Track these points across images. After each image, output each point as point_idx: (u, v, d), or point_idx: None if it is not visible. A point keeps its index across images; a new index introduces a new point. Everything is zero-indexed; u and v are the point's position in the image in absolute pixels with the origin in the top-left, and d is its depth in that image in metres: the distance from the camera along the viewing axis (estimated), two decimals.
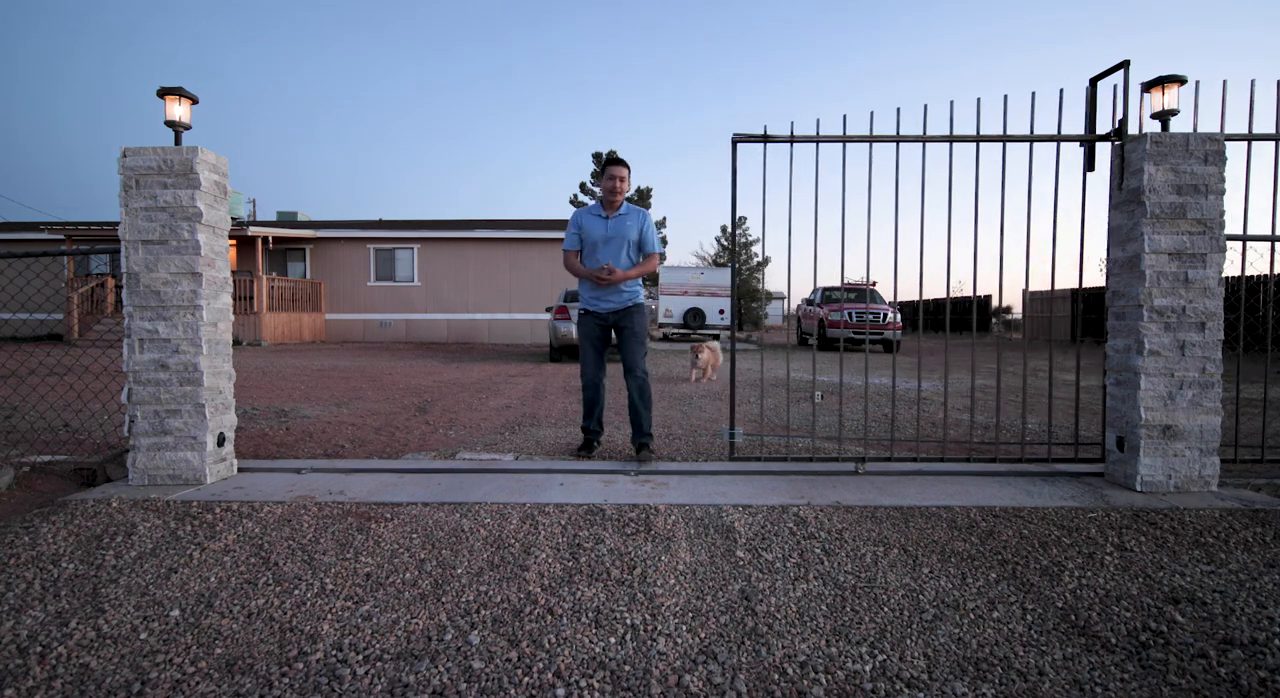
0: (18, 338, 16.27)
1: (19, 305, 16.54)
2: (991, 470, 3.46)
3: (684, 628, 1.84)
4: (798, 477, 3.37)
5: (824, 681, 1.59)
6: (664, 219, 37.74)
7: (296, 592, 2.05)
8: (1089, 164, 3.45)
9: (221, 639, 1.77)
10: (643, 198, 34.30)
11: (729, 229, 38.99)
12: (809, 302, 16.46)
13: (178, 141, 3.27)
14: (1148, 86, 3.24)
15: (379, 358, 12.27)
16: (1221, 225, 3.11)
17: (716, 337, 19.19)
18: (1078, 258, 3.47)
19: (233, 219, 16.74)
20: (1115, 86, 3.25)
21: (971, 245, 3.51)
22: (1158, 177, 3.10)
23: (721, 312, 20.63)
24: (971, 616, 1.91)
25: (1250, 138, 3.30)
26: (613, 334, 3.98)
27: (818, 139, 3.50)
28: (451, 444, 4.25)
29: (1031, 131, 3.39)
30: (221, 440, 3.31)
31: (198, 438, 3.19)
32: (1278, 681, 1.58)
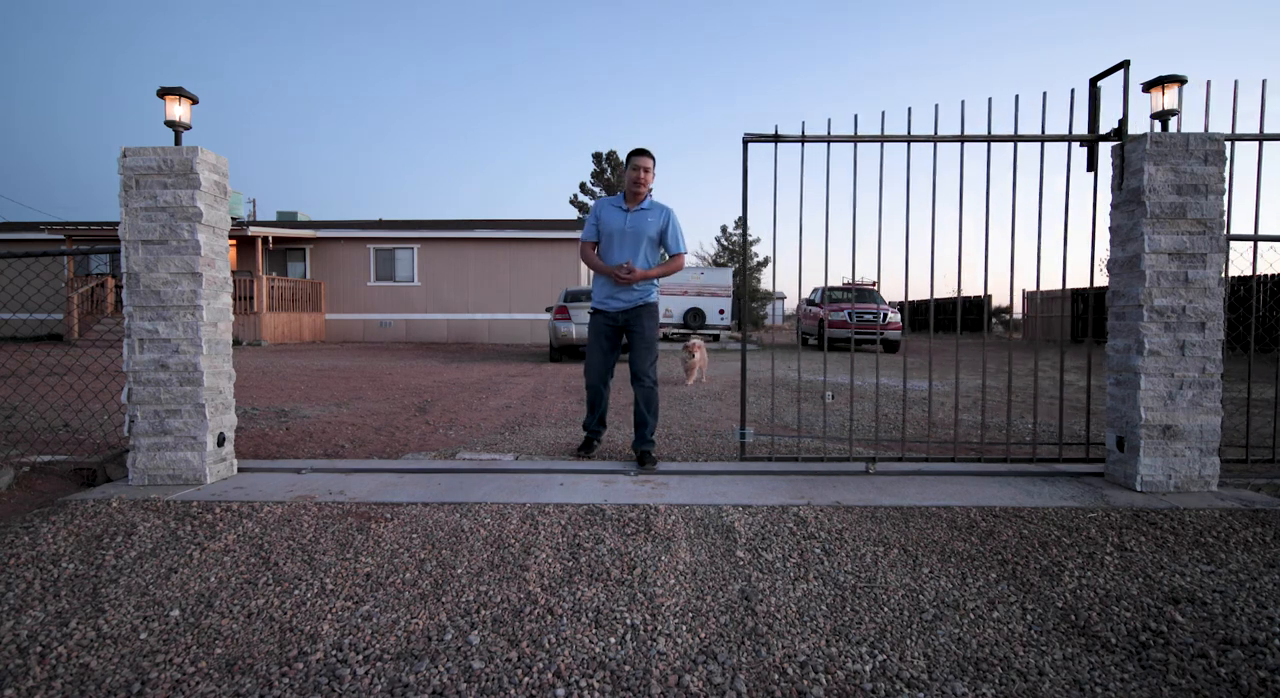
0: (18, 338, 16.27)
1: (19, 305, 16.54)
2: (991, 471, 3.46)
3: (684, 628, 1.84)
4: (797, 477, 3.37)
5: (824, 681, 1.59)
6: None
7: (296, 592, 2.05)
8: (1090, 164, 3.45)
9: (221, 639, 1.77)
10: None
11: (732, 229, 39.00)
12: (809, 302, 16.47)
13: (178, 141, 3.27)
14: (1148, 86, 3.24)
15: (379, 358, 12.27)
16: (1221, 225, 3.11)
17: (716, 337, 19.20)
18: (1078, 258, 3.47)
19: (233, 219, 16.74)
20: (1116, 86, 3.26)
21: (983, 245, 3.51)
22: (1158, 176, 3.10)
23: (721, 312, 20.64)
24: (971, 616, 1.91)
25: (1261, 138, 3.29)
26: (623, 336, 3.79)
27: (829, 139, 3.49)
28: (451, 444, 4.25)
29: (1043, 132, 3.38)
30: (221, 440, 3.31)
31: (198, 438, 3.19)
32: (1278, 681, 1.58)
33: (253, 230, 16.39)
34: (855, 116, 3.46)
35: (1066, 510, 2.82)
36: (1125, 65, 3.23)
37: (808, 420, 5.23)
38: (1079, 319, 18.52)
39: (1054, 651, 1.73)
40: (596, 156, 33.99)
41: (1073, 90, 3.35)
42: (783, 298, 44.49)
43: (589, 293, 11.68)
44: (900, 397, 6.48)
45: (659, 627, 1.84)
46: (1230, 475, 3.36)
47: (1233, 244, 3.39)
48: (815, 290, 16.68)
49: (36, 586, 2.09)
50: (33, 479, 3.28)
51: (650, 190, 3.69)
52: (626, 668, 1.64)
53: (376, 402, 6.29)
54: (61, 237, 17.18)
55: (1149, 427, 3.10)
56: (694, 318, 20.28)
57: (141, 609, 1.94)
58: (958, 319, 3.67)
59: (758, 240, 39.21)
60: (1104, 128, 3.39)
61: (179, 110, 3.25)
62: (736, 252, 38.00)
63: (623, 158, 3.78)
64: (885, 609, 1.95)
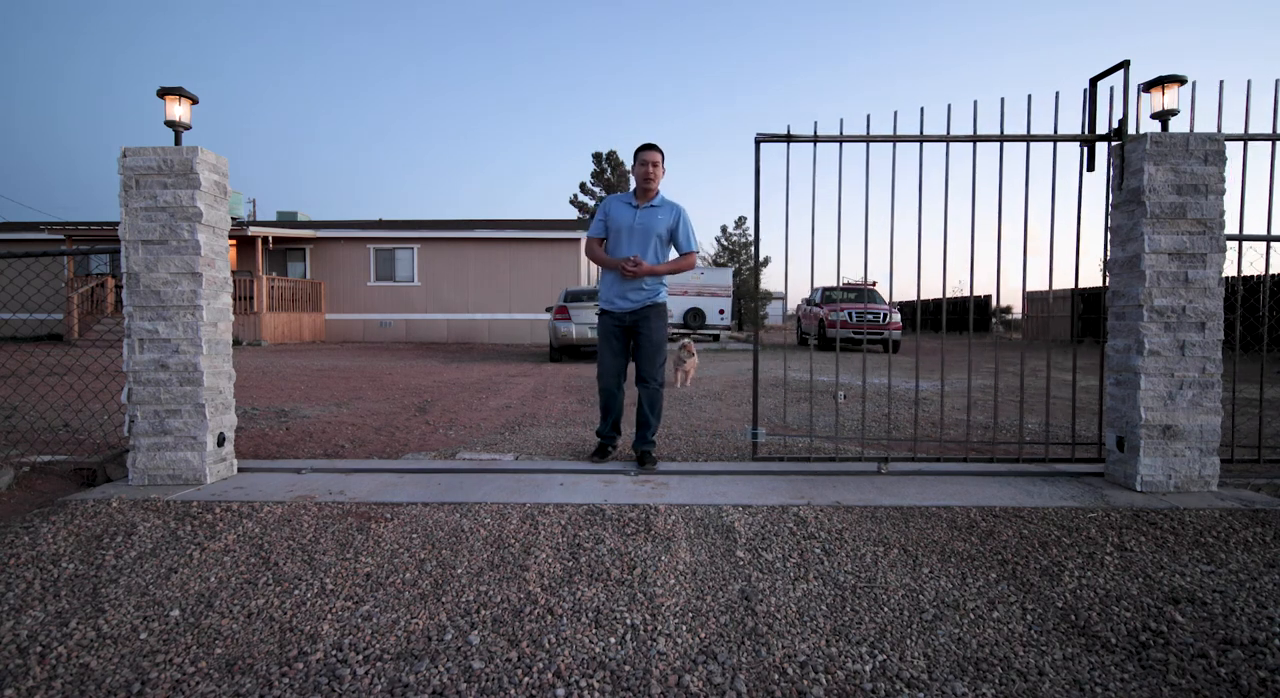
0: (18, 338, 16.27)
1: (19, 305, 16.54)
2: (991, 470, 3.46)
3: (684, 628, 1.84)
4: (797, 477, 3.37)
5: (824, 681, 1.59)
6: None
7: (296, 592, 2.05)
8: (1089, 164, 3.45)
9: (221, 639, 1.77)
10: None
11: (732, 229, 38.98)
12: (809, 302, 16.48)
13: (178, 141, 3.27)
14: (1147, 86, 3.24)
15: (379, 358, 12.27)
16: (1221, 225, 3.11)
17: (716, 337, 19.21)
18: (1080, 258, 3.47)
19: (233, 219, 16.73)
20: (1114, 87, 3.26)
21: (983, 245, 3.51)
22: (1158, 177, 3.10)
23: (721, 312, 20.66)
24: (971, 616, 1.91)
25: (1273, 137, 3.29)
26: (631, 336, 3.69)
27: (841, 139, 3.48)
28: (451, 444, 4.25)
29: (1055, 131, 3.38)
30: (221, 440, 3.31)
31: (198, 438, 3.19)
32: (1278, 681, 1.58)
33: (253, 230, 16.39)
34: (868, 117, 3.44)
35: (1066, 510, 2.82)
36: (1125, 65, 3.23)
37: (804, 420, 5.23)
38: (1078, 319, 18.54)
39: (1054, 651, 1.73)
40: (596, 156, 33.98)
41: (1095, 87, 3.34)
42: (782, 298, 44.46)
43: (589, 293, 11.68)
44: (902, 397, 6.48)
45: (659, 627, 1.84)
46: (1230, 475, 3.36)
47: (1233, 244, 3.40)
48: (815, 290, 16.69)
49: (36, 586, 2.09)
50: (33, 479, 3.28)
51: (660, 188, 3.64)
52: (626, 668, 1.64)
53: (376, 402, 6.29)
54: (61, 237, 17.18)
55: (1149, 427, 3.10)
56: (694, 318, 20.30)
57: (141, 609, 1.94)
58: (969, 319, 3.67)
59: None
60: (1103, 128, 3.39)
61: (179, 110, 3.25)
62: (736, 251, 37.99)
63: (623, 158, 3.79)
64: (885, 609, 1.95)
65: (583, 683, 1.57)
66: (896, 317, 13.86)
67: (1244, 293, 11.49)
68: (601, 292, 3.71)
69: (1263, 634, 1.78)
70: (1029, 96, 3.37)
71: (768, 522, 2.67)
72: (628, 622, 1.86)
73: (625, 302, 3.60)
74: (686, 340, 7.71)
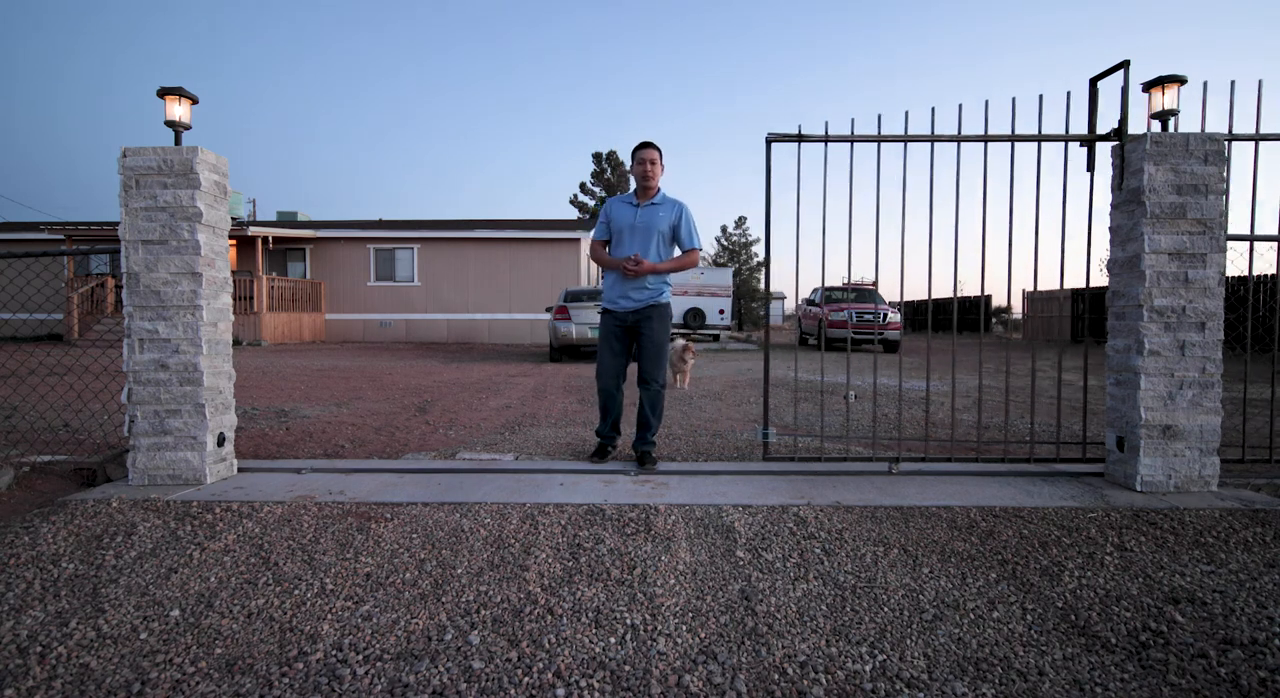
0: (18, 338, 16.27)
1: (19, 305, 16.54)
2: (991, 471, 3.46)
3: (684, 628, 1.84)
4: (797, 477, 3.37)
5: (824, 681, 1.59)
6: None
7: (296, 592, 2.05)
8: (1089, 164, 3.45)
9: (221, 639, 1.77)
10: None
11: (732, 229, 39.03)
12: (809, 302, 16.47)
13: (178, 141, 3.27)
14: (1148, 86, 3.24)
15: (379, 358, 12.27)
16: (1222, 225, 3.11)
17: (716, 337, 19.22)
18: (1082, 258, 3.47)
19: (233, 219, 16.74)
20: (1116, 87, 3.26)
21: (986, 245, 3.50)
22: (1158, 177, 3.10)
23: (721, 312, 20.67)
24: (971, 616, 1.91)
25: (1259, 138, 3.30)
26: (633, 337, 3.64)
27: (852, 138, 3.48)
28: (451, 444, 4.25)
29: (1067, 131, 3.38)
30: (221, 440, 3.31)
31: (198, 438, 3.19)
32: (1278, 681, 1.58)
33: (253, 230, 16.40)
34: (879, 116, 3.44)
35: (1066, 510, 2.82)
36: (1125, 65, 3.22)
37: (807, 420, 5.23)
38: (1079, 319, 18.50)
39: (1054, 651, 1.73)
40: (597, 156, 33.99)
41: (1082, 91, 3.34)
42: (782, 298, 44.51)
43: (589, 293, 11.68)
44: (907, 397, 6.48)
45: (659, 627, 1.84)
46: (1230, 475, 3.36)
47: (1234, 244, 3.40)
48: (815, 290, 16.69)
49: (36, 586, 2.09)
50: (33, 479, 3.28)
51: (660, 186, 3.61)
52: (626, 668, 1.64)
53: (376, 402, 6.29)
54: (61, 237, 17.18)
55: (1149, 427, 3.10)
56: (694, 318, 20.31)
57: (141, 609, 1.94)
58: (996, 320, 3.67)
59: (757, 240, 39.18)
60: (1103, 128, 3.39)
61: (179, 110, 3.25)
62: (737, 251, 38.03)
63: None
64: (885, 609, 1.95)
65: (583, 683, 1.57)
66: (896, 317, 13.89)
67: (1243, 293, 11.47)
68: (604, 291, 3.69)
69: (1263, 634, 1.78)
70: (1040, 97, 3.36)
71: (768, 522, 2.67)
72: (628, 622, 1.86)
73: (628, 301, 3.58)
74: (687, 343, 7.64)
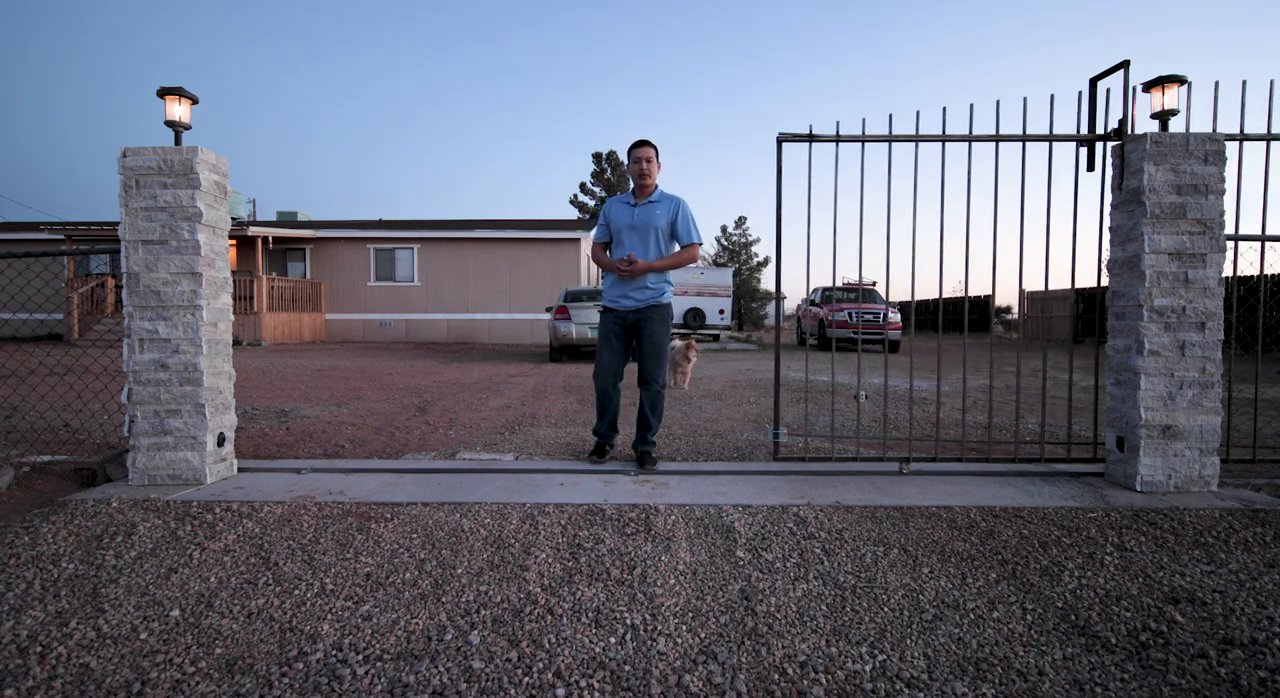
0: (18, 338, 16.27)
1: (19, 305, 16.54)
2: (991, 470, 3.46)
3: (684, 628, 1.84)
4: (797, 477, 3.37)
5: (824, 681, 1.59)
6: None
7: (296, 592, 2.05)
8: (1089, 164, 3.45)
9: (221, 639, 1.77)
10: None
11: (732, 229, 39.00)
12: (809, 302, 16.49)
13: (178, 141, 3.27)
14: (1147, 86, 3.24)
15: (379, 358, 12.27)
16: (1222, 225, 3.11)
17: (716, 337, 19.22)
18: (1079, 258, 3.47)
19: (233, 219, 16.74)
20: (1114, 87, 3.26)
21: (1018, 245, 3.50)
22: (1158, 177, 3.10)
23: (721, 312, 20.68)
24: (971, 616, 1.91)
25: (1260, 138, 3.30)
26: (633, 336, 3.63)
27: (863, 138, 3.47)
28: (451, 444, 4.25)
29: (1078, 131, 3.38)
30: (221, 440, 3.31)
31: (198, 438, 3.19)
32: (1278, 681, 1.58)
33: (253, 230, 16.40)
34: (890, 116, 3.44)
35: (1066, 510, 2.82)
36: (1125, 65, 3.23)
37: (806, 419, 5.23)
38: (1078, 319, 18.50)
39: (1054, 651, 1.73)
40: (597, 156, 34.01)
41: (1089, 91, 3.34)
42: (783, 298, 44.44)
43: (589, 293, 11.68)
44: (903, 397, 6.48)
45: (659, 627, 1.84)
46: (1230, 475, 3.36)
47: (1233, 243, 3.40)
48: (815, 290, 16.69)
49: (36, 586, 2.09)
50: (33, 479, 3.28)
51: (657, 183, 3.60)
52: (626, 668, 1.64)
53: (376, 402, 6.29)
54: (61, 237, 17.18)
55: (1149, 427, 3.10)
56: (694, 318, 20.33)
57: (141, 609, 1.94)
58: (998, 320, 3.67)
59: (757, 240, 39.18)
60: (1103, 128, 3.39)
61: (179, 110, 3.25)
62: (737, 251, 38.02)
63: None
64: (885, 609, 1.95)
65: (583, 683, 1.57)
66: (896, 317, 13.89)
67: (1242, 293, 11.48)
68: (605, 290, 3.67)
69: (1263, 634, 1.78)
70: (1051, 97, 3.35)
71: (768, 522, 2.67)
72: (628, 622, 1.86)
73: (629, 300, 3.56)
74: (690, 340, 7.59)
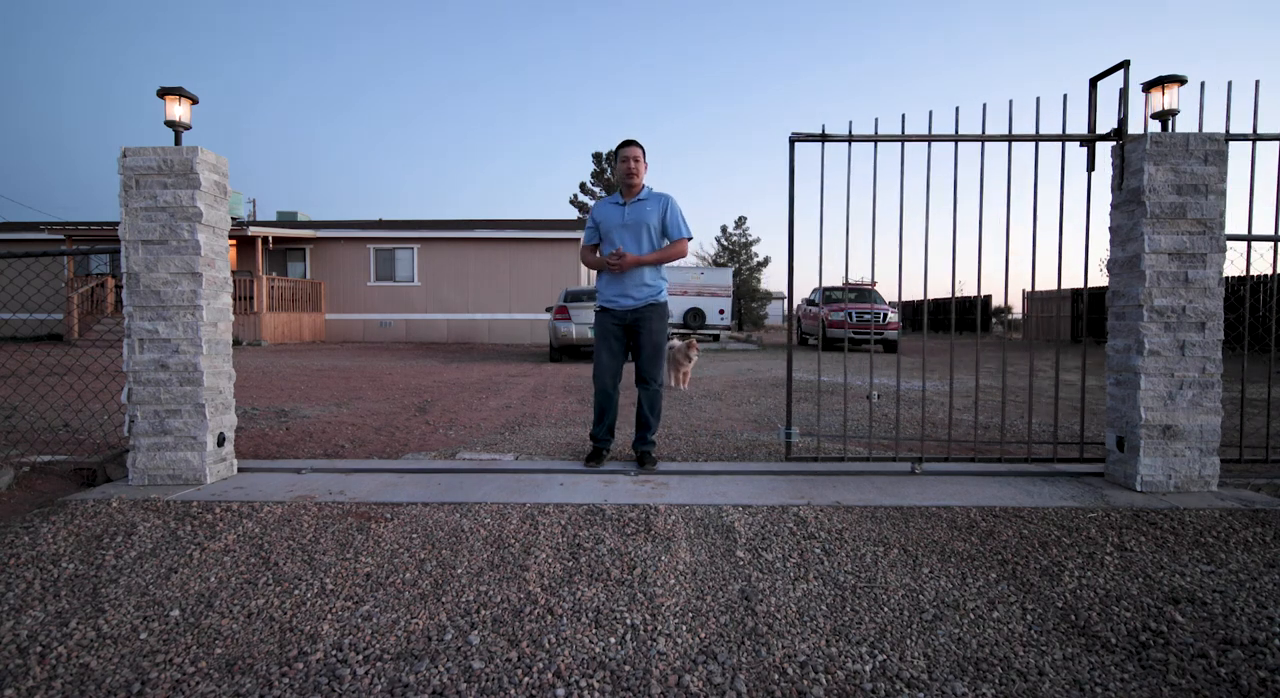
0: (18, 338, 16.27)
1: (19, 305, 16.53)
2: (991, 471, 3.45)
3: (684, 628, 1.84)
4: (797, 477, 3.37)
5: (824, 681, 1.59)
6: None
7: (296, 592, 2.05)
8: (1090, 164, 3.45)
9: (221, 639, 1.77)
10: None
11: (732, 229, 38.99)
12: (809, 302, 16.48)
13: (178, 141, 3.27)
14: (1148, 86, 3.24)
15: (379, 358, 12.27)
16: (1222, 225, 3.11)
17: (716, 337, 19.22)
18: (1082, 258, 3.47)
19: (233, 219, 16.73)
20: (1116, 87, 3.26)
21: (1030, 245, 3.49)
22: (1158, 177, 3.10)
23: (721, 312, 20.69)
24: (971, 616, 1.91)
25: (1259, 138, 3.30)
26: (630, 336, 3.62)
27: (876, 138, 3.47)
28: (451, 444, 4.25)
29: (1091, 130, 3.38)
30: (221, 440, 3.31)
31: (198, 438, 3.19)
32: (1278, 681, 1.58)
33: (253, 230, 16.39)
34: (903, 116, 3.43)
35: (1066, 510, 2.82)
36: (1125, 65, 3.22)
37: (808, 420, 5.23)
38: (1078, 319, 18.50)
39: (1054, 651, 1.73)
40: (596, 156, 34.00)
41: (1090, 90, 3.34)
42: (782, 298, 44.50)
43: (590, 293, 11.67)
44: (906, 397, 6.48)
45: (659, 627, 1.84)
46: (1230, 475, 3.36)
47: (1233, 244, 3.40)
48: (815, 290, 16.69)
49: (36, 586, 2.09)
50: (33, 479, 3.28)
51: (645, 183, 3.61)
52: (626, 668, 1.64)
53: (376, 402, 6.29)
54: (61, 237, 17.18)
55: (1149, 427, 3.10)
56: (694, 318, 20.34)
57: (141, 609, 1.94)
58: (998, 320, 3.67)
59: (757, 240, 39.15)
60: (1104, 128, 3.40)
61: (179, 110, 3.25)
62: (737, 251, 38.01)
63: None
64: (885, 609, 1.95)
65: (583, 683, 1.57)
66: (895, 317, 13.89)
67: (1242, 293, 11.49)
68: (600, 291, 3.66)
69: (1263, 634, 1.78)
70: (1064, 96, 3.35)
71: (768, 522, 2.67)
72: (628, 622, 1.86)
73: (628, 300, 3.55)
74: (691, 339, 7.54)
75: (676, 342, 7.46)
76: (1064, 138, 3.41)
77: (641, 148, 3.56)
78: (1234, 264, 3.49)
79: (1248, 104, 3.26)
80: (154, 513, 2.75)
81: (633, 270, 3.52)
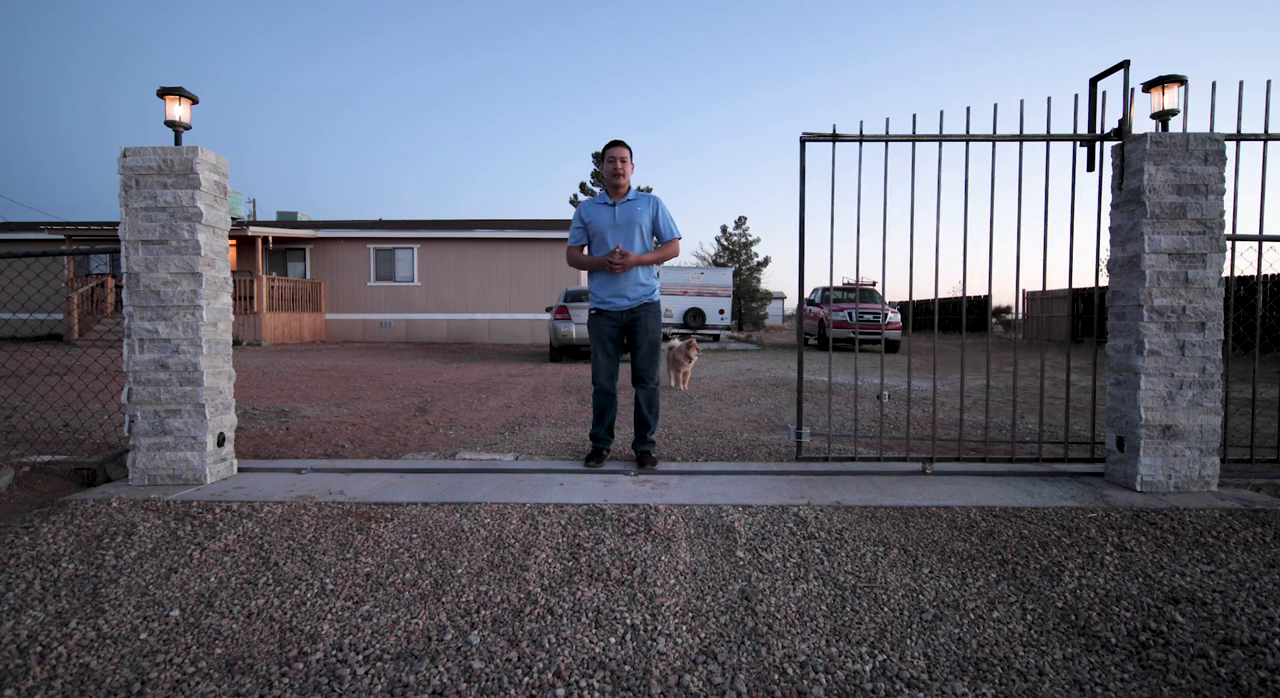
0: (18, 338, 16.26)
1: (19, 305, 16.52)
2: (991, 470, 3.45)
3: (684, 628, 1.84)
4: (797, 477, 3.37)
5: (824, 681, 1.59)
6: None
7: (296, 592, 2.05)
8: (1090, 164, 3.45)
9: (221, 639, 1.77)
10: None
11: (732, 229, 38.99)
12: (810, 302, 16.48)
13: (178, 141, 3.27)
14: (1148, 87, 3.24)
15: (379, 358, 12.27)
16: (1221, 225, 3.11)
17: (716, 337, 19.22)
18: (1081, 258, 3.47)
19: (233, 219, 16.73)
20: (1117, 87, 3.26)
21: (1041, 245, 3.48)
22: (1158, 177, 3.10)
23: (721, 312, 20.68)
24: (971, 616, 1.91)
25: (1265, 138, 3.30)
26: (625, 336, 3.64)
27: (886, 138, 3.47)
28: (451, 444, 4.25)
29: (1099, 129, 3.39)
30: (221, 440, 3.31)
31: (198, 438, 3.19)
32: (1278, 681, 1.58)
33: (253, 230, 16.39)
34: (914, 116, 3.45)
35: (1066, 510, 2.82)
36: (1125, 65, 3.22)
37: (809, 419, 5.23)
38: (1078, 319, 18.49)
39: (1054, 651, 1.73)
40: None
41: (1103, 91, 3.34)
42: (782, 297, 44.53)
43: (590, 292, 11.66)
44: (910, 398, 6.48)
45: (659, 627, 1.84)
46: (1230, 475, 3.36)
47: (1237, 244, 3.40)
48: (815, 290, 16.68)
49: (36, 586, 2.09)
50: (33, 479, 3.28)
51: (631, 183, 3.60)
52: (626, 668, 1.64)
53: (376, 402, 6.28)
54: (61, 237, 17.18)
55: (1149, 427, 3.10)
56: (694, 318, 20.33)
57: (141, 609, 1.94)
58: (998, 320, 3.66)
59: (757, 240, 39.17)
60: (1103, 128, 3.39)
61: (179, 110, 3.25)
62: (737, 251, 38.00)
63: None
64: (885, 609, 1.95)
65: (583, 683, 1.57)
66: (895, 317, 13.88)
67: (1242, 293, 11.48)
68: (594, 292, 3.64)
69: (1263, 634, 1.78)
70: (1075, 97, 3.35)
71: (768, 522, 2.67)
72: (628, 622, 1.86)
73: (623, 300, 3.55)
74: (691, 339, 7.51)
75: (676, 342, 7.43)
76: (1075, 138, 3.42)
77: (629, 148, 3.56)
78: (1246, 259, 3.51)
79: (1259, 105, 3.24)
80: (154, 513, 2.75)
81: (627, 270, 3.52)
